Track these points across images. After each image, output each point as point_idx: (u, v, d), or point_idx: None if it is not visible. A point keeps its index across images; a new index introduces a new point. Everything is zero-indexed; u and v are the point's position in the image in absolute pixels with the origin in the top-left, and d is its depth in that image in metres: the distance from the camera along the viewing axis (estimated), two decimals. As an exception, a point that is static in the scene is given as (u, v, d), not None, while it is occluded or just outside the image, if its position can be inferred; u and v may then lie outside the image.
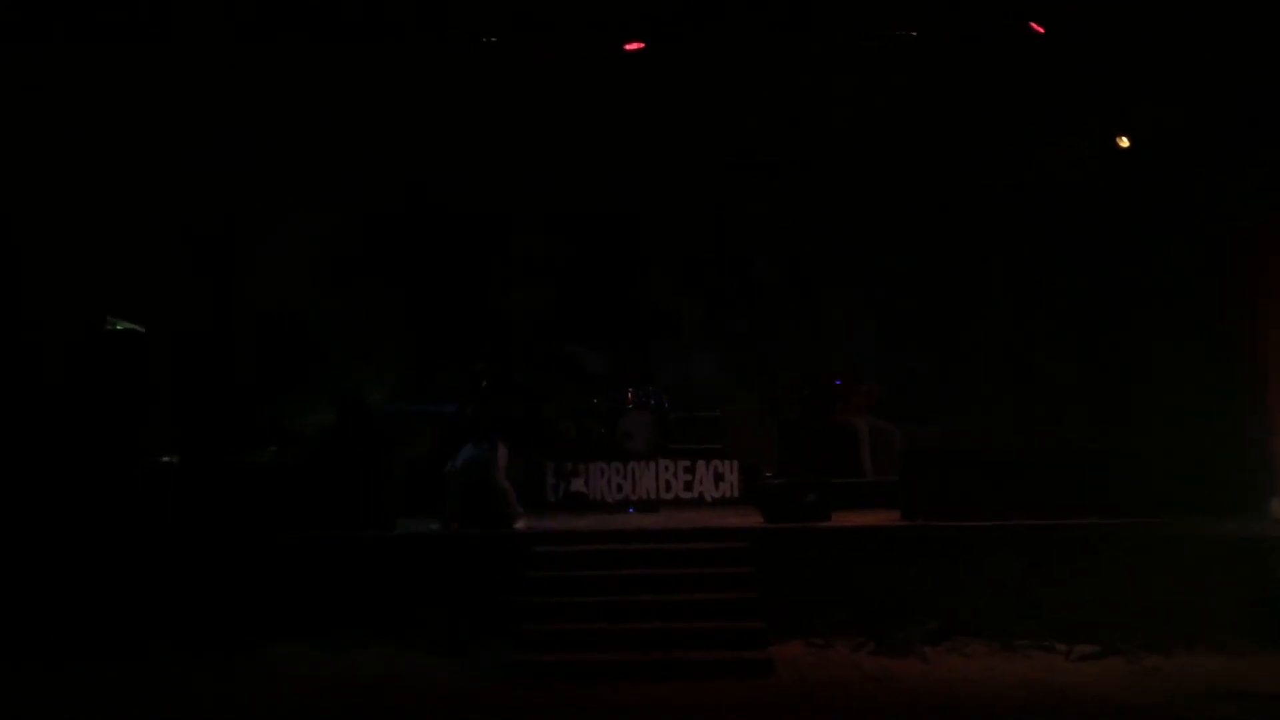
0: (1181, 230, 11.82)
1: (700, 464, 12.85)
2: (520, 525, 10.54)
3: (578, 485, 12.65)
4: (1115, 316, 13.08)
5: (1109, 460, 10.42)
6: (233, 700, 8.34)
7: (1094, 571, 9.60)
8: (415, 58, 11.02)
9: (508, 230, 14.85)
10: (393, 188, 14.18)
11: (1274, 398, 10.44)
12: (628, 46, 10.13)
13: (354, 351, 14.32)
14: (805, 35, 10.51)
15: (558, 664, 8.80)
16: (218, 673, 8.97)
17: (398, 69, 11.28)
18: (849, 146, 13.53)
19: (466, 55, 10.98)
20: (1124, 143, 11.91)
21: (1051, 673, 8.80)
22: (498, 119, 12.59)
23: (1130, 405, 12.56)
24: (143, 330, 11.20)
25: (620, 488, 12.70)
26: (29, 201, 10.32)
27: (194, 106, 11.70)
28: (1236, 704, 7.96)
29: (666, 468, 12.80)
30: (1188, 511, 9.86)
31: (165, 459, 10.98)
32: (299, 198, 13.66)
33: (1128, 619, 9.36)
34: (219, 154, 13.05)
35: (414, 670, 9.06)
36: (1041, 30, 9.70)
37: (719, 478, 12.84)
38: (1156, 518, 9.82)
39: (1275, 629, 9.34)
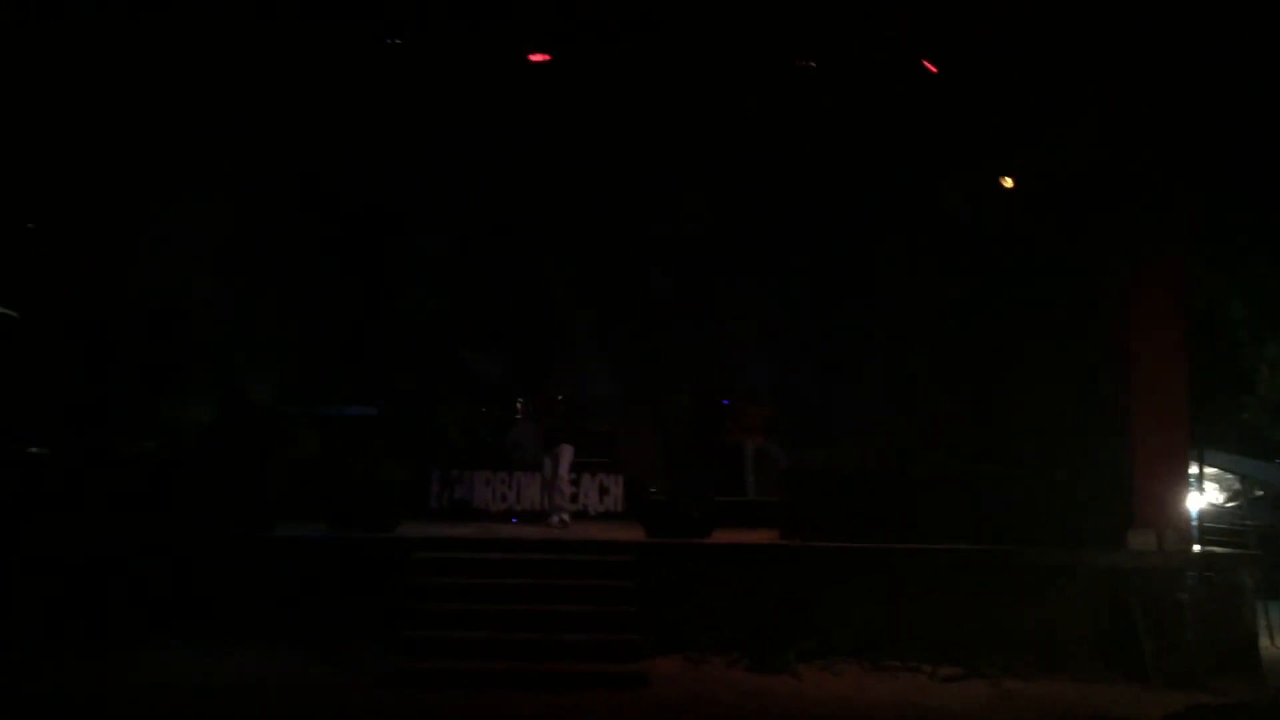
0: (1060, 272, 12.29)
1: (586, 476, 12.89)
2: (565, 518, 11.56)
3: (462, 493, 12.59)
4: (997, 351, 13.50)
5: (979, 489, 10.76)
6: (104, 702, 8.11)
7: (960, 596, 9.91)
8: (314, 45, 10.87)
9: (403, 232, 14.68)
10: (286, 182, 13.92)
11: (1137, 434, 10.88)
12: (533, 57, 10.14)
13: (240, 349, 13.99)
14: (711, 54, 10.64)
15: (437, 671, 8.74)
16: (90, 672, 8.70)
17: (296, 55, 11.12)
18: (751, 168, 13.74)
19: (368, 47, 10.87)
20: (1008, 183, 12.33)
21: (918, 693, 9.05)
22: (396, 115, 12.47)
23: (1005, 438, 12.97)
24: (16, 315, 10.80)
25: (505, 497, 12.67)
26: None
27: (79, 82, 11.37)
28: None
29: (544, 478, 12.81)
30: (1052, 541, 10.23)
31: (34, 450, 10.64)
32: (188, 185, 13.33)
33: (990, 643, 9.68)
34: (106, 136, 12.71)
35: (293, 673, 8.92)
36: (935, 70, 9.99)
37: (604, 491, 12.90)
38: (1022, 546, 10.16)
39: (1128, 658, 9.74)
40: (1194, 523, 11.37)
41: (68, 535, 9.59)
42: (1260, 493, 16.06)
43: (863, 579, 9.96)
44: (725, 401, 13.35)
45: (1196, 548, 10.88)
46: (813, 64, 10.10)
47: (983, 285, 13.62)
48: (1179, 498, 10.86)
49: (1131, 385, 11.04)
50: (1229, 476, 16.48)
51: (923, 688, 9.20)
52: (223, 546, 9.76)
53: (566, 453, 11.76)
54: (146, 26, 10.23)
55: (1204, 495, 12.65)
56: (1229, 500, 16.32)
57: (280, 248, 14.18)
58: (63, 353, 12.30)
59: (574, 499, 12.70)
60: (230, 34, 10.59)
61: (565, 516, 11.74)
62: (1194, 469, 12.28)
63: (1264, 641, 10.46)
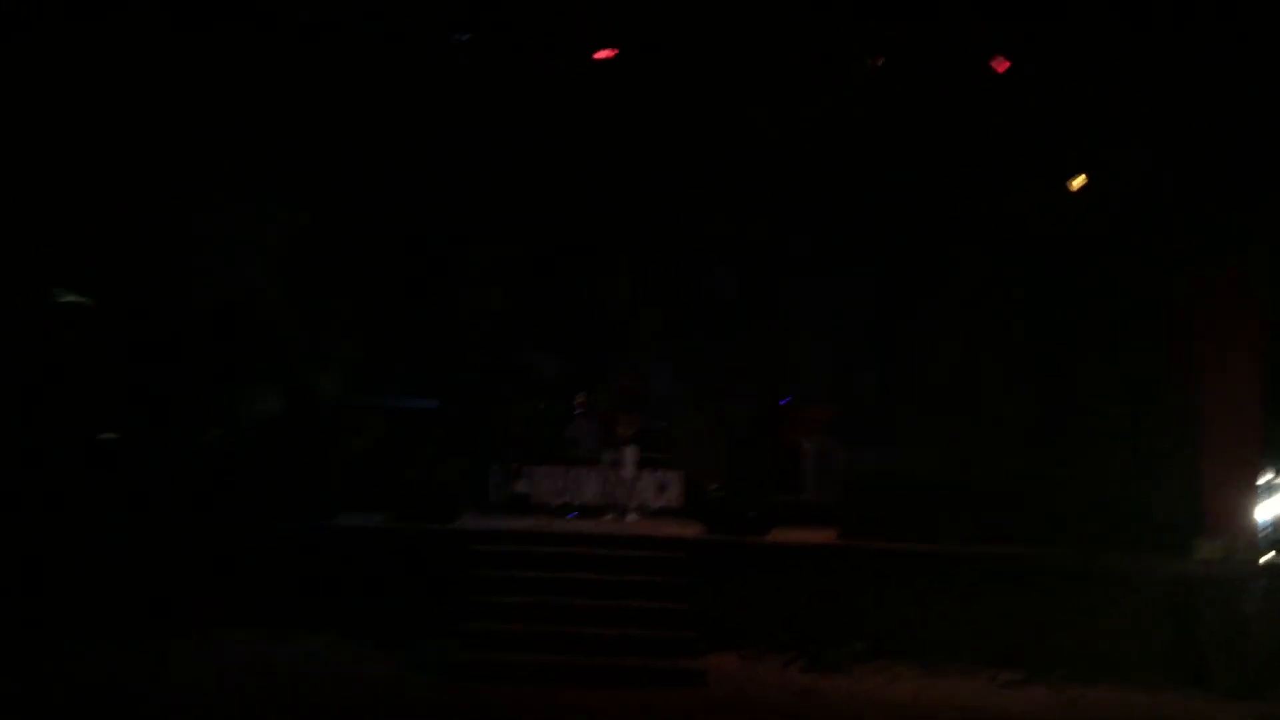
0: (1130, 278, 12.10)
1: (645, 472, 12.90)
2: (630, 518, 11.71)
3: (520, 487, 12.67)
4: (1064, 358, 13.32)
5: (1043, 494, 10.61)
6: (164, 688, 8.25)
7: (1022, 602, 9.78)
8: (379, 54, 11.01)
9: (466, 231, 14.82)
10: (356, 183, 14.11)
11: (1206, 442, 10.69)
12: (597, 55, 10.18)
13: (306, 340, 14.20)
14: (778, 55, 10.60)
15: (496, 664, 8.83)
16: (152, 659, 8.85)
17: (361, 64, 11.27)
18: (817, 170, 13.68)
19: (431, 56, 10.98)
20: (1075, 184, 12.16)
21: (977, 697, 8.96)
22: (461, 122, 12.61)
23: (1070, 444, 12.78)
24: (91, 303, 11.04)
25: (563, 492, 12.73)
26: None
27: (154, 84, 11.62)
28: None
29: (610, 475, 12.85)
30: (1117, 547, 10.09)
31: (105, 435, 10.86)
32: (260, 181, 13.56)
33: (1052, 650, 9.55)
34: (178, 133, 12.97)
35: (355, 662, 9.06)
36: (1002, 68, 9.87)
37: (663, 488, 12.91)
38: (1086, 552, 10.02)
39: (1196, 667, 9.56)
40: (1264, 532, 11.12)
41: (133, 522, 9.78)
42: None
43: (922, 582, 9.87)
44: (784, 401, 13.30)
45: (1266, 557, 10.64)
46: (880, 62, 9.96)
47: (1050, 292, 13.43)
48: (1249, 507, 10.65)
49: (1201, 393, 10.84)
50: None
51: (982, 692, 9.11)
52: (285, 536, 9.90)
53: (633, 451, 11.81)
54: (221, 33, 10.41)
55: (1276, 504, 12.36)
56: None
57: (348, 245, 14.38)
58: (133, 341, 12.55)
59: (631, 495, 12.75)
60: (298, 33, 10.73)
61: (632, 515, 11.85)
62: (1267, 477, 12.01)
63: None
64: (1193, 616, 9.71)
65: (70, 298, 10.95)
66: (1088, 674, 9.39)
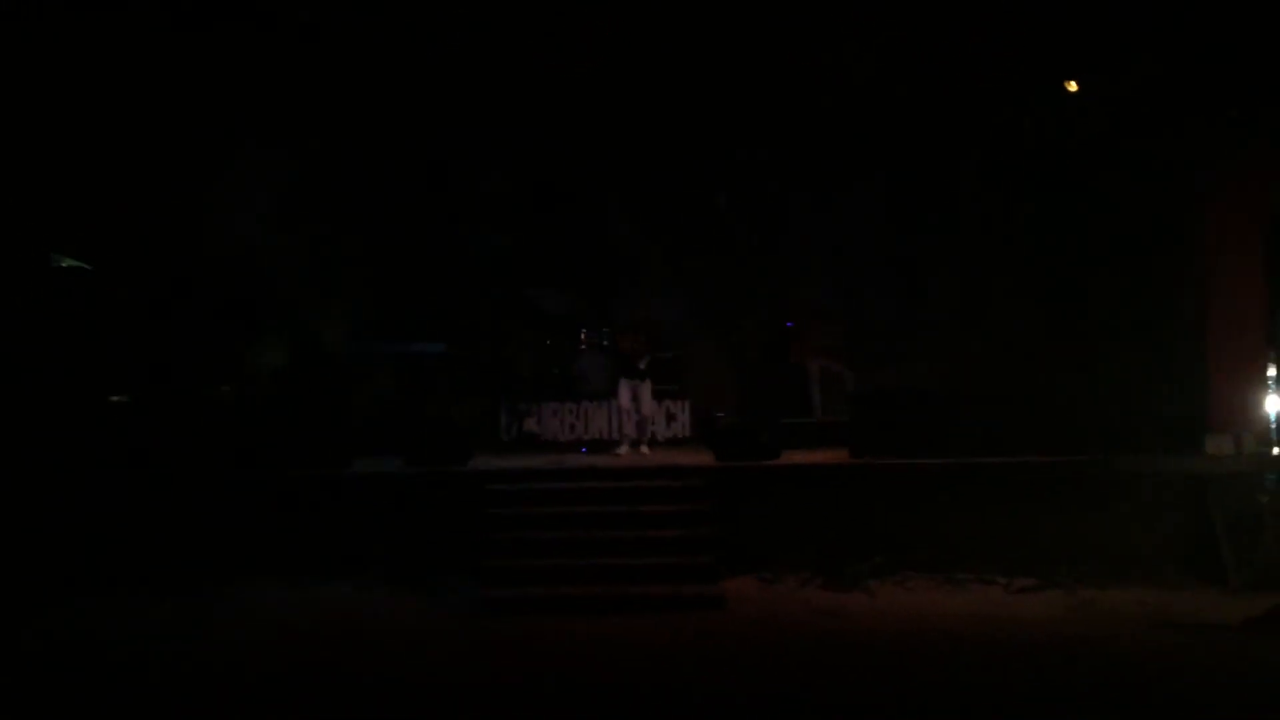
0: (1135, 186, 12.00)
1: (653, 402, 12.94)
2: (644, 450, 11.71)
3: (531, 425, 12.75)
4: (1073, 268, 13.26)
5: (1051, 401, 10.64)
6: (192, 637, 8.38)
7: (1034, 508, 9.85)
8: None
9: (468, 171, 14.73)
10: (352, 126, 14.02)
11: (1212, 339, 10.69)
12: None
13: (312, 290, 14.21)
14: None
15: (518, 598, 8.96)
16: (179, 611, 8.98)
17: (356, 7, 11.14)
18: (817, 90, 13.53)
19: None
20: (1072, 86, 12.02)
21: (992, 605, 9.08)
22: (455, 56, 12.47)
23: (1078, 353, 12.79)
24: (90, 268, 11.05)
25: (573, 428, 12.80)
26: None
27: (146, 39, 11.52)
28: (1175, 632, 8.24)
29: (622, 408, 12.90)
30: (1127, 450, 10.10)
31: (115, 398, 10.93)
32: (255, 131, 13.48)
33: (1066, 554, 9.64)
34: (171, 89, 12.87)
35: (380, 605, 9.18)
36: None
37: (671, 418, 12.98)
38: (1097, 456, 10.05)
39: (1209, 563, 9.64)
40: (1274, 425, 11.16)
41: (150, 480, 9.87)
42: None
43: (934, 495, 9.95)
44: (790, 324, 13.30)
45: (1277, 450, 10.67)
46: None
47: (1057, 203, 13.33)
48: (1257, 401, 10.69)
49: (1208, 292, 10.82)
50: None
51: (997, 599, 9.23)
52: (304, 485, 9.99)
53: (648, 386, 11.81)
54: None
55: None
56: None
57: (347, 191, 14.32)
58: (137, 302, 12.58)
59: (639, 425, 12.81)
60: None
61: (644, 448, 11.87)
62: (1274, 372, 12.03)
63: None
64: (1205, 513, 9.78)
65: (70, 262, 10.94)
66: (1102, 577, 9.49)
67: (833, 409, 12.43)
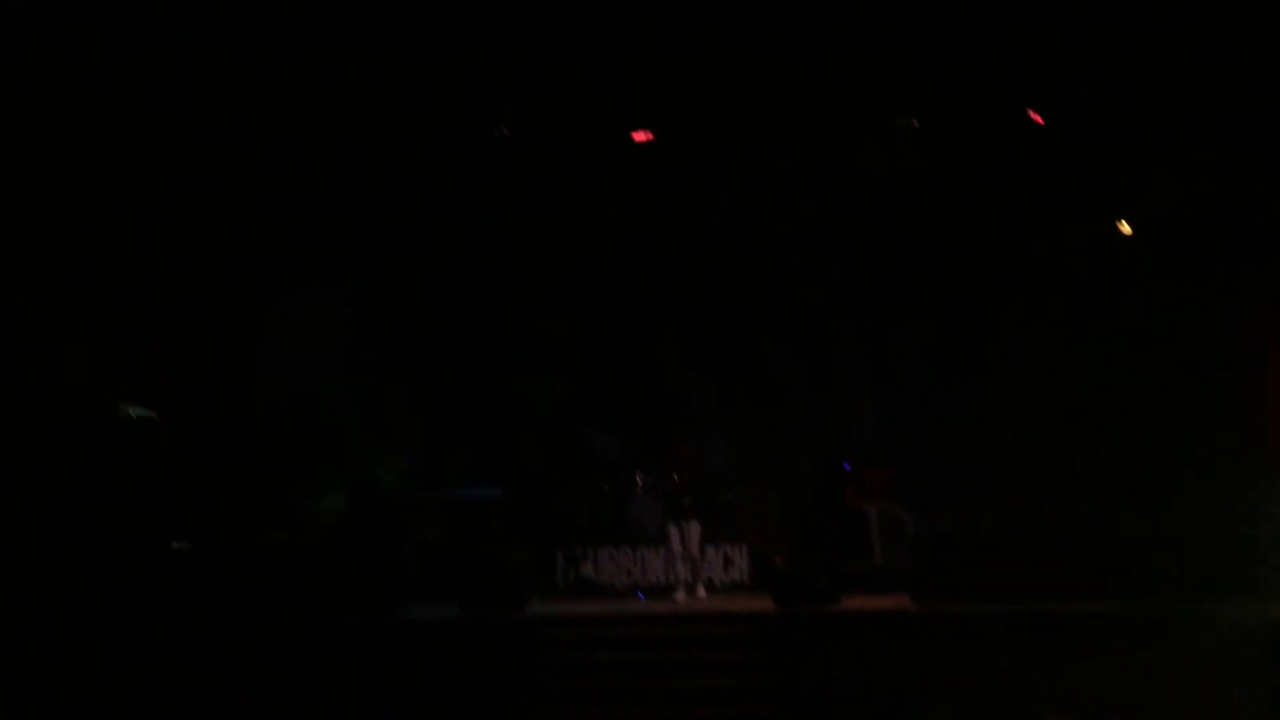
0: (1195, 316, 11.93)
1: (709, 549, 12.79)
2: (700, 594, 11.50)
3: (586, 570, 12.62)
4: (1125, 401, 13.11)
5: (1120, 544, 10.38)
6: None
7: (1110, 656, 9.51)
8: (425, 138, 11.25)
9: (519, 315, 14.99)
10: (405, 273, 14.39)
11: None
12: (636, 136, 10.33)
13: (367, 436, 14.38)
14: (810, 119, 10.66)
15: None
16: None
17: (409, 147, 11.52)
18: (865, 230, 13.73)
19: (477, 138, 11.20)
20: (1126, 229, 12.09)
21: (1067, 759, 8.71)
22: (508, 207, 12.83)
23: (1143, 489, 12.54)
24: (155, 415, 11.28)
25: (629, 573, 12.65)
26: (40, 286, 10.42)
27: (206, 191, 11.99)
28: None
29: (674, 551, 12.74)
30: (1204, 595, 9.78)
31: (176, 544, 11.01)
32: (310, 280, 13.87)
33: (1142, 704, 9.25)
34: (228, 234, 13.32)
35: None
36: (1041, 121, 9.89)
37: (728, 562, 12.79)
38: (1172, 602, 9.74)
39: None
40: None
41: (207, 627, 9.85)
42: None
43: (1001, 642, 9.65)
44: (846, 466, 13.19)
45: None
46: (915, 123, 10.02)
47: (1111, 339, 13.28)
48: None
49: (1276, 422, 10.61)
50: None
51: (1072, 753, 8.86)
52: (356, 633, 9.91)
53: (695, 527, 11.67)
54: (265, 129, 10.70)
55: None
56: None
57: (401, 337, 14.62)
58: (198, 447, 12.77)
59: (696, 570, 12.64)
60: (344, 127, 10.98)
61: (701, 591, 11.68)
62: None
63: None
64: (1287, 663, 9.39)
65: (138, 411, 11.18)
66: (1182, 728, 9.09)
67: (892, 553, 12.19)
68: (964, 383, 14.57)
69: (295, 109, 10.83)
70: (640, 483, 13.10)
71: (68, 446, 10.39)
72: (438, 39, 9.43)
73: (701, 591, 11.66)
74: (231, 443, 13.28)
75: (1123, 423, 13.20)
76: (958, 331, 14.65)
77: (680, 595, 11.53)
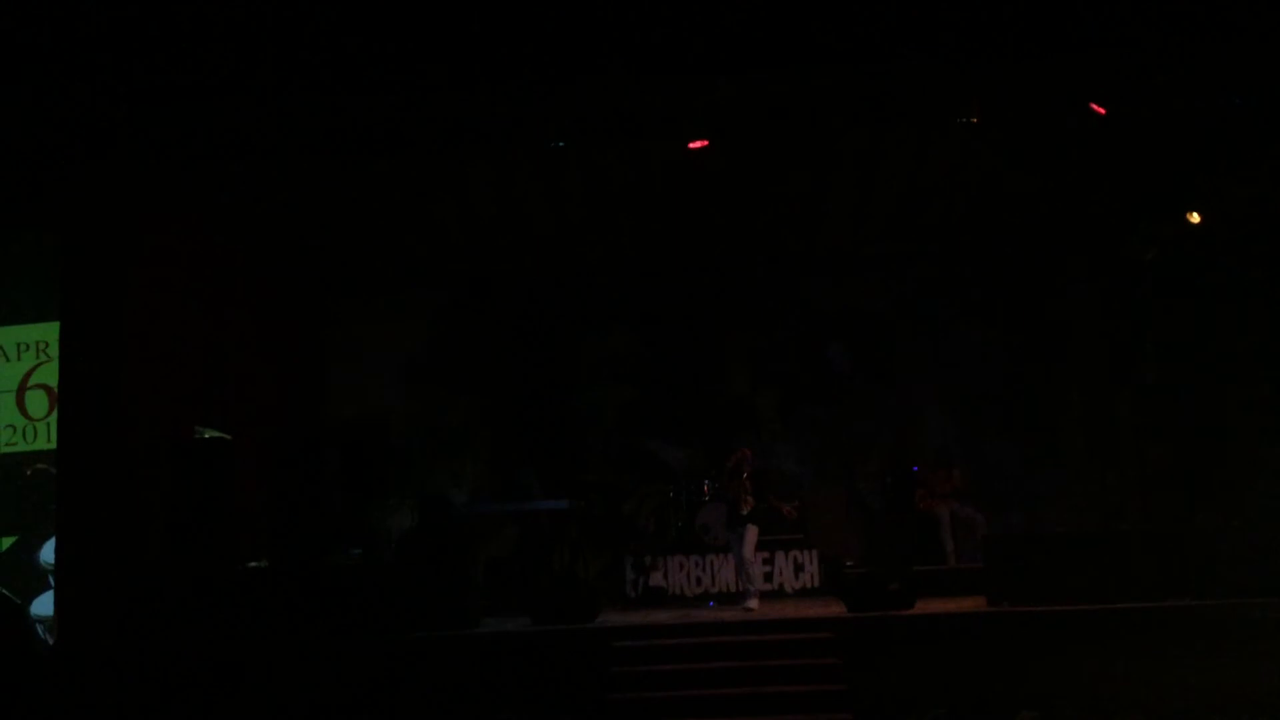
0: (1266, 311, 11.66)
1: (780, 555, 12.75)
2: (751, 604, 11.15)
3: (656, 579, 12.62)
4: (1199, 397, 12.85)
5: (1195, 541, 10.15)
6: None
7: (1193, 656, 9.29)
8: (486, 163, 11.34)
9: (583, 329, 15.09)
10: (470, 291, 14.56)
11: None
12: (692, 145, 10.33)
13: (435, 453, 14.57)
14: (876, 124, 10.56)
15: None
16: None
17: (474, 175, 11.64)
18: (927, 229, 13.62)
19: (535, 159, 11.28)
20: (1194, 218, 11.85)
21: (1150, 760, 8.53)
22: (572, 219, 12.91)
23: (1215, 486, 12.28)
24: (229, 437, 11.49)
25: (699, 581, 12.64)
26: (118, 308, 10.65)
27: (275, 217, 12.23)
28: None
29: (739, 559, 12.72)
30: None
31: (253, 564, 11.20)
32: (377, 301, 14.08)
33: (1221, 703, 9.02)
34: (299, 264, 13.58)
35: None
36: (1103, 111, 9.71)
37: (799, 568, 12.73)
38: (1247, 599, 9.51)
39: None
40: None
41: (284, 644, 10.00)
42: None
43: (1078, 643, 9.47)
44: (915, 468, 13.08)
45: None
46: (974, 119, 9.90)
47: (1182, 335, 13.02)
48: None
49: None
50: None
51: (1154, 753, 8.67)
52: (430, 647, 9.99)
53: (751, 533, 11.43)
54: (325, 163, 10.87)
55: None
56: None
57: (469, 350, 14.78)
58: (272, 470, 13.02)
59: (768, 577, 12.56)
60: (406, 161, 11.11)
61: (753, 603, 11.33)
62: None
63: None
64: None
65: (211, 433, 11.40)
66: (1272, 726, 8.86)
67: (966, 554, 12.06)
68: (1033, 380, 14.40)
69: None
70: (709, 489, 13.09)
71: (142, 468, 10.59)
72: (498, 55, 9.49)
73: (753, 603, 11.33)
74: (304, 463, 13.51)
75: (1196, 418, 12.93)
76: (1025, 330, 14.49)
77: (754, 602, 11.35)
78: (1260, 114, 10.03)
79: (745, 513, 11.33)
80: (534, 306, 14.91)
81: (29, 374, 13.12)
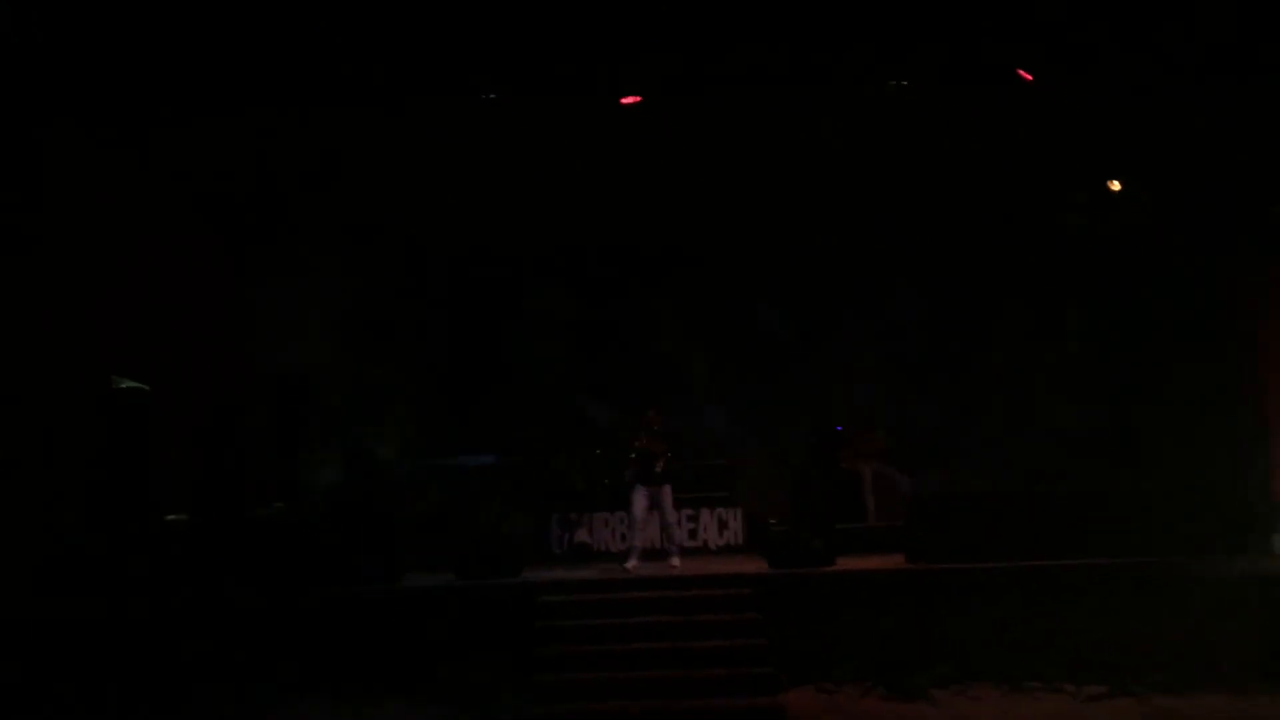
0: (1187, 276, 11.93)
1: (705, 512, 12.87)
2: (675, 563, 11.15)
3: (582, 536, 12.67)
4: (1119, 361, 13.15)
5: (1113, 501, 10.42)
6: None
7: (1100, 612, 9.57)
8: (420, 117, 11.19)
9: (516, 286, 14.98)
10: (397, 245, 14.36)
11: (1276, 437, 10.47)
12: (624, 100, 10.28)
13: (363, 409, 14.41)
14: (808, 86, 10.59)
15: (574, 714, 8.78)
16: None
17: (403, 128, 11.47)
18: (854, 194, 13.70)
19: (468, 114, 11.14)
20: (1115, 186, 12.07)
21: (1061, 714, 8.80)
22: (501, 176, 12.77)
23: (1134, 448, 12.60)
24: (148, 389, 11.27)
25: (624, 538, 12.70)
26: (34, 260, 10.38)
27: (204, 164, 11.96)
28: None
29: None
30: (1193, 551, 9.85)
31: (171, 517, 11.02)
32: (303, 254, 13.84)
33: (1135, 659, 9.32)
34: (227, 209, 13.29)
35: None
36: (1030, 78, 9.84)
37: (723, 525, 12.86)
38: (1162, 557, 9.80)
39: (1287, 666, 9.29)
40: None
41: (204, 598, 9.88)
42: None
43: (995, 600, 9.69)
44: (839, 428, 13.24)
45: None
46: (905, 83, 9.97)
47: (1104, 301, 13.29)
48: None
49: (1270, 389, 10.63)
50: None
51: (1066, 709, 8.93)
52: (355, 602, 9.95)
53: (667, 493, 11.35)
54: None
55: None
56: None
57: (396, 306, 14.60)
58: (193, 421, 12.79)
59: (693, 534, 12.68)
60: (339, 113, 10.92)
61: (676, 560, 11.32)
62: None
63: None
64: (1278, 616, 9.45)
65: (129, 383, 11.17)
66: (1174, 683, 9.15)
67: (887, 513, 12.26)
68: (957, 345, 14.62)
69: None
70: (633, 448, 13.11)
71: (61, 419, 10.36)
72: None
73: (675, 560, 11.33)
74: (227, 417, 13.29)
75: (1113, 383, 13.25)
76: (951, 295, 14.67)
77: (633, 563, 11.20)
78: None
79: (659, 470, 11.28)
80: (467, 262, 14.76)
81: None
